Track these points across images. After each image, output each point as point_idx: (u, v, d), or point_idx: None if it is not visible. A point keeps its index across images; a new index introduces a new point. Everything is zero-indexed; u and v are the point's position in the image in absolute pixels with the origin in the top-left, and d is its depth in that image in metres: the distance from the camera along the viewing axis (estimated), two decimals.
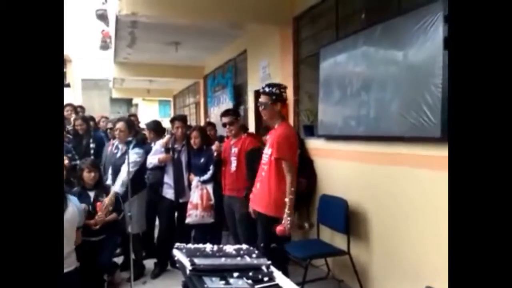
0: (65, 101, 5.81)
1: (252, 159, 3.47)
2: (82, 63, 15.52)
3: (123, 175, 3.63)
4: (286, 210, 2.73)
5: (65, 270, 2.43)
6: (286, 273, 2.58)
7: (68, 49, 14.21)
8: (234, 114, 3.90)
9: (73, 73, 15.66)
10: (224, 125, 3.83)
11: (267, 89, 2.91)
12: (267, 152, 2.94)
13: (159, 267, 4.06)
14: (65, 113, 5.40)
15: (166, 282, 3.85)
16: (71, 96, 13.79)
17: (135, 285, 3.44)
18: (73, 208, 2.48)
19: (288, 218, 2.72)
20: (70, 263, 2.48)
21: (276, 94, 2.88)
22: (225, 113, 3.87)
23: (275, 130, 2.91)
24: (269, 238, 2.82)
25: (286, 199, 2.74)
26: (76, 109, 5.80)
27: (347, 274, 3.56)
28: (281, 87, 2.96)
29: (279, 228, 2.75)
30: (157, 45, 7.36)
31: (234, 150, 3.77)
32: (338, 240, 3.56)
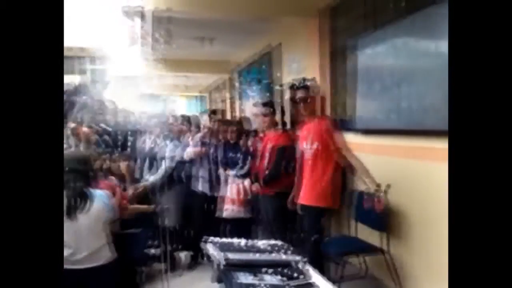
0: (102, 98, 6.00)
1: (281, 156, 3.42)
2: (117, 60, 15.95)
3: (162, 168, 3.70)
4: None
5: (95, 265, 2.46)
6: (322, 268, 2.55)
7: (105, 47, 14.64)
8: (270, 106, 3.84)
9: (109, 71, 16.15)
10: (259, 115, 3.80)
11: (304, 83, 2.89)
12: (310, 147, 2.90)
13: (194, 259, 4.10)
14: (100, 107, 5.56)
15: (201, 274, 3.89)
16: (108, 92, 14.21)
17: (170, 277, 3.50)
18: (99, 204, 2.49)
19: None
20: (99, 258, 2.51)
21: (313, 86, 2.86)
22: (264, 104, 3.84)
23: (319, 124, 2.88)
24: (319, 229, 2.84)
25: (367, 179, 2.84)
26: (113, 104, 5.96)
27: (385, 273, 3.44)
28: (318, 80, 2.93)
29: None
30: (190, 41, 7.43)
31: (269, 145, 3.73)
32: (376, 238, 3.45)
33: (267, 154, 3.71)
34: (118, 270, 2.83)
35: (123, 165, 3.48)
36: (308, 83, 2.90)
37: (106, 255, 2.52)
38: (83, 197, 2.45)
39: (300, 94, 2.90)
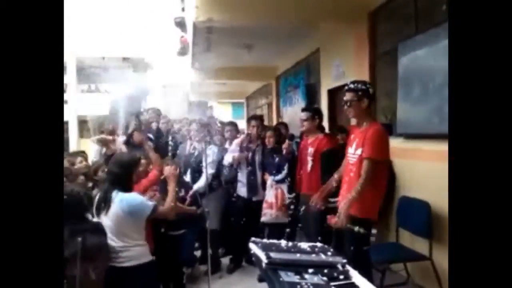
0: (148, 106, 6.28)
1: (328, 160, 3.40)
2: (162, 69, 16.54)
3: (204, 176, 3.83)
4: (344, 202, 2.60)
5: (124, 265, 2.53)
6: (370, 277, 2.50)
7: (149, 56, 15.25)
8: (311, 111, 3.83)
9: (154, 79, 16.77)
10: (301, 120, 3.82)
11: (352, 85, 2.75)
12: (354, 152, 2.78)
13: (235, 263, 4.18)
14: (148, 116, 5.80)
15: (241, 277, 3.96)
16: (152, 100, 14.77)
17: (212, 279, 3.59)
18: (117, 208, 2.60)
19: (343, 212, 2.57)
20: (128, 258, 2.61)
21: (362, 90, 2.72)
22: (304, 109, 3.86)
23: (366, 129, 2.72)
24: (359, 240, 2.71)
25: (350, 196, 2.60)
26: (159, 111, 6.21)
27: (429, 281, 3.36)
28: (367, 83, 2.83)
29: (334, 220, 2.64)
30: (230, 49, 7.59)
31: (310, 150, 3.72)
32: (419, 245, 3.37)
33: (309, 159, 3.71)
34: (157, 270, 2.93)
35: (167, 169, 3.62)
36: (352, 86, 2.79)
37: (133, 256, 2.57)
38: (109, 199, 2.58)
39: (347, 97, 2.75)
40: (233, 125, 4.86)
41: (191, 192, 3.75)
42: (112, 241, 2.50)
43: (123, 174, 2.62)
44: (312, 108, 4.13)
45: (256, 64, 9.23)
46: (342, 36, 5.43)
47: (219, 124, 5.93)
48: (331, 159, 3.16)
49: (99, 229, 2.47)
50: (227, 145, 4.49)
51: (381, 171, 2.69)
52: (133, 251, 2.56)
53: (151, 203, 2.61)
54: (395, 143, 4.05)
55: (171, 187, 2.83)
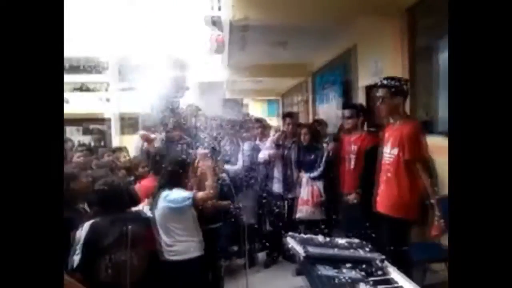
0: (185, 103, 6.41)
1: (371, 158, 3.35)
2: (198, 67, 16.82)
3: (238, 164, 3.89)
4: (437, 212, 2.53)
5: (171, 259, 2.68)
6: (411, 276, 2.48)
7: (186, 55, 15.57)
8: (355, 108, 3.78)
9: (190, 77, 17.08)
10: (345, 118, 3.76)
11: (384, 82, 2.69)
12: (390, 152, 2.73)
13: (271, 258, 4.24)
14: (187, 112, 5.95)
15: (277, 272, 4.02)
16: (190, 98, 15.05)
17: (248, 273, 3.66)
18: (162, 204, 2.72)
19: (442, 220, 2.51)
20: (174, 252, 2.71)
21: (395, 86, 2.67)
22: (347, 106, 3.83)
23: (401, 127, 2.68)
24: (397, 241, 2.67)
25: (432, 201, 2.55)
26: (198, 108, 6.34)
27: None
28: (401, 80, 2.75)
29: (435, 233, 2.57)
30: (266, 46, 7.62)
31: (354, 147, 3.66)
32: None
33: (352, 157, 3.65)
34: (203, 265, 3.02)
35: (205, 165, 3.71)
36: (385, 82, 2.72)
37: (180, 251, 2.71)
38: (158, 195, 2.70)
39: (380, 93, 2.68)
40: (263, 122, 4.92)
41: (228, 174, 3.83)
42: (161, 235, 2.64)
43: (179, 172, 2.77)
44: (356, 105, 4.07)
45: (291, 61, 9.22)
46: (380, 32, 5.33)
47: (254, 122, 5.99)
48: (374, 157, 3.10)
49: (139, 219, 2.61)
50: (257, 142, 4.55)
51: (420, 170, 2.64)
52: (179, 246, 2.68)
53: (189, 192, 2.72)
54: (436, 141, 3.94)
55: (210, 178, 2.88)
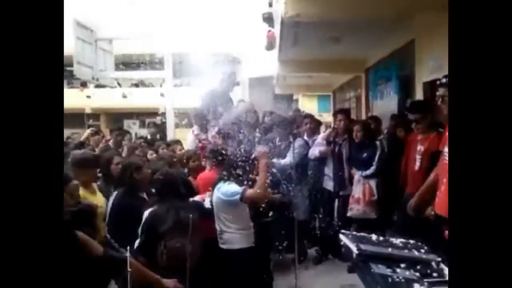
0: (236, 98, 6.54)
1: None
2: (249, 63, 17.01)
3: (287, 160, 3.92)
4: None
5: (223, 247, 2.82)
6: None
7: (237, 51, 15.79)
8: (423, 109, 3.52)
9: (242, 72, 17.31)
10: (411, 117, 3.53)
11: (444, 80, 2.49)
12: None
13: (321, 254, 4.24)
14: (239, 109, 6.07)
15: (327, 268, 4.02)
16: (240, 93, 15.29)
17: (298, 268, 3.69)
18: (216, 195, 2.84)
19: None
20: (224, 241, 2.84)
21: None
22: (412, 108, 3.57)
23: None
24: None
25: None
26: (250, 104, 6.45)
27: None
28: None
29: None
30: (318, 42, 7.55)
31: (420, 148, 3.50)
32: None
33: (417, 157, 3.51)
34: (253, 257, 3.11)
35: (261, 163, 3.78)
36: (445, 80, 2.58)
37: (237, 242, 2.83)
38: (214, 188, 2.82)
39: (440, 92, 2.51)
40: (314, 117, 4.90)
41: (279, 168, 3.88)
42: (216, 224, 2.82)
43: (234, 167, 2.90)
44: (421, 104, 3.82)
45: (344, 56, 9.04)
46: (439, 27, 5.08)
47: (304, 118, 5.99)
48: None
49: (195, 208, 2.76)
50: (305, 137, 4.54)
51: None
52: (229, 235, 2.80)
53: (240, 188, 2.80)
54: None
55: (262, 173, 2.95)
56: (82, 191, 2.55)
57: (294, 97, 21.97)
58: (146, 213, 2.54)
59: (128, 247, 2.23)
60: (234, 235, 2.83)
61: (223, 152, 3.24)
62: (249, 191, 2.79)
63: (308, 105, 19.43)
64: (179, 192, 2.73)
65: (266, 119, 6.44)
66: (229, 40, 15.61)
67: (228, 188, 2.79)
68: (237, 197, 2.74)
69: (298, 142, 4.35)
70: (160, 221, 2.47)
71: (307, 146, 4.34)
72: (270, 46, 13.32)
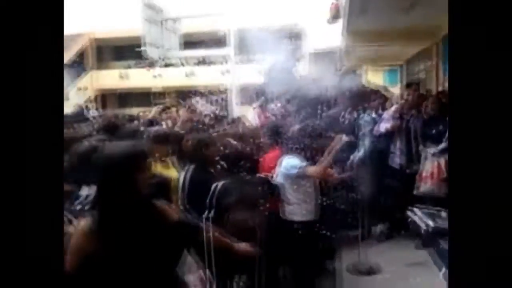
0: (300, 74, 6.45)
1: None
2: (311, 37, 16.61)
3: (365, 143, 3.84)
4: None
5: (298, 219, 2.91)
6: None
7: (301, 24, 15.46)
8: None
9: (304, 47, 16.96)
10: None
11: None
12: None
13: (387, 232, 4.15)
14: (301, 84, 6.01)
15: (392, 246, 3.92)
16: (302, 68, 15.04)
17: (362, 245, 3.66)
18: (280, 169, 2.92)
19: None
20: (285, 212, 2.94)
21: None
22: None
23: None
24: None
25: None
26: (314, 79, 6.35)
27: None
28: None
29: None
30: (388, 10, 7.13)
31: None
32: None
33: None
34: (315, 230, 3.15)
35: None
36: None
37: (302, 213, 2.91)
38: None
39: None
40: (382, 92, 4.69)
41: (348, 162, 3.82)
42: (280, 196, 2.95)
43: (302, 143, 3.00)
44: None
45: (417, 25, 8.45)
46: None
47: (371, 92, 5.76)
48: None
49: (259, 182, 2.85)
50: (374, 114, 4.37)
51: None
52: (292, 207, 2.89)
53: (300, 163, 2.88)
54: None
55: (330, 155, 2.96)
56: (157, 165, 2.74)
57: (359, 71, 21.16)
58: (214, 186, 2.68)
59: (204, 216, 2.39)
60: (297, 207, 2.90)
61: (283, 128, 3.28)
62: (311, 168, 2.84)
63: (374, 79, 18.63)
64: (244, 167, 2.84)
65: (329, 94, 6.32)
66: (291, 14, 15.31)
67: (288, 162, 2.90)
68: (295, 171, 2.80)
69: (364, 118, 4.22)
70: (227, 195, 2.58)
71: (373, 122, 4.19)
72: (333, 19, 12.87)
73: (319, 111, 5.39)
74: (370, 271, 3.60)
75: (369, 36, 9.54)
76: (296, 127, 3.09)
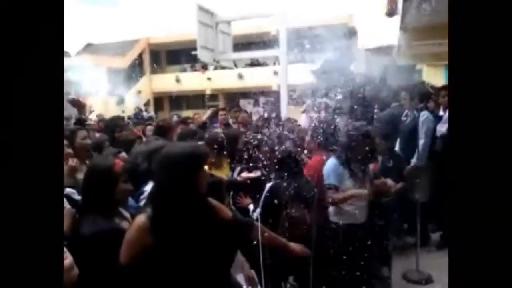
0: (354, 72, 6.22)
1: None
2: (367, 33, 16.07)
3: (423, 144, 3.64)
4: None
5: (354, 222, 2.84)
6: None
7: (354, 21, 15.02)
8: None
9: (359, 44, 16.45)
10: None
11: None
12: None
13: (446, 239, 3.88)
14: (357, 82, 5.80)
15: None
16: (357, 66, 14.59)
17: (419, 252, 3.46)
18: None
19: None
20: (336, 215, 2.87)
21: None
22: None
23: None
24: None
25: None
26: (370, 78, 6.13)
27: None
28: None
29: None
30: (446, 3, 6.71)
31: None
32: None
33: None
34: (366, 234, 3.00)
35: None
36: None
37: (351, 216, 2.83)
38: None
39: None
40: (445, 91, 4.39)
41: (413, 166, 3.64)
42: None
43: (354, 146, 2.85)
44: None
45: None
46: None
47: (430, 89, 5.44)
48: None
49: (308, 184, 2.78)
50: (441, 113, 4.10)
51: None
52: (337, 209, 2.79)
53: (335, 175, 2.80)
54: None
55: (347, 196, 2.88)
56: (211, 166, 2.86)
57: (418, 67, 20.19)
58: (267, 186, 2.69)
59: (258, 214, 2.37)
60: (340, 209, 2.79)
61: (331, 131, 3.17)
62: (333, 194, 2.76)
63: (433, 75, 17.66)
64: (292, 169, 2.79)
65: (384, 93, 6.05)
66: (346, 11, 14.94)
67: (329, 163, 2.83)
68: (328, 181, 2.72)
69: (424, 116, 3.96)
70: (278, 194, 2.57)
71: (434, 121, 3.93)
72: (391, 13, 12.38)
73: (376, 110, 5.17)
74: (428, 280, 3.43)
75: (429, 31, 9.07)
76: (345, 128, 2.95)
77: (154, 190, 1.73)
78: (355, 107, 5.26)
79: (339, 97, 4.28)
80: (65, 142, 2.51)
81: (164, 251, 1.58)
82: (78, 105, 7.72)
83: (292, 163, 2.78)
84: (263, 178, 2.87)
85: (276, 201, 2.52)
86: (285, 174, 2.69)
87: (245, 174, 2.89)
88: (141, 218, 1.65)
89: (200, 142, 3.10)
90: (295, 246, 2.05)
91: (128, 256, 1.61)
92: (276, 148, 2.92)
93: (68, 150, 2.52)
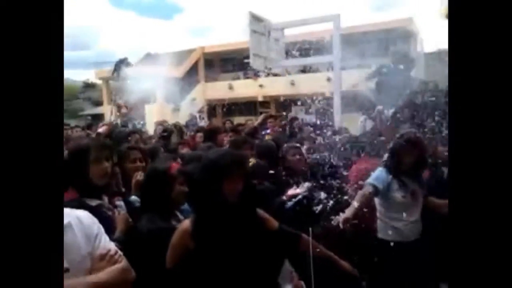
0: (413, 77, 5.92)
1: None
2: (425, 37, 15.35)
3: None
4: None
5: (380, 236, 2.72)
6: None
7: (412, 24, 14.38)
8: None
9: (417, 47, 15.73)
10: None
11: None
12: None
13: None
14: (415, 89, 5.52)
15: None
16: (413, 72, 13.96)
17: None
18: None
19: None
20: (379, 230, 2.75)
21: None
22: None
23: None
24: None
25: None
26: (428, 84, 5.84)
27: None
28: None
29: None
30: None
31: None
32: None
33: None
34: (411, 252, 2.77)
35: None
36: None
37: (390, 232, 2.64)
38: None
39: None
40: None
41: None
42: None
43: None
44: None
45: None
46: None
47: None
48: None
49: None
50: None
51: None
52: (381, 225, 2.65)
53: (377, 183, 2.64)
54: None
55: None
56: None
57: None
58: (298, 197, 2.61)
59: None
60: (384, 226, 2.58)
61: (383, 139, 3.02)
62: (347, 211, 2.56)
63: None
64: (335, 177, 2.73)
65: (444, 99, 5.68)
66: (400, 13, 14.37)
67: (376, 173, 2.63)
68: (368, 188, 2.53)
69: None
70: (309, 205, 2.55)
71: None
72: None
73: (436, 118, 4.88)
74: None
75: None
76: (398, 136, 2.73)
77: (193, 194, 1.77)
78: (414, 113, 4.99)
79: (400, 103, 4.07)
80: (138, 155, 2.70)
81: (204, 256, 1.59)
82: (123, 111, 8.02)
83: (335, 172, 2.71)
84: (306, 193, 2.74)
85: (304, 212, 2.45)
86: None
87: (291, 192, 2.71)
88: (185, 223, 1.69)
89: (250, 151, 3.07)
90: (345, 263, 2.01)
91: (172, 259, 1.63)
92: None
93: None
